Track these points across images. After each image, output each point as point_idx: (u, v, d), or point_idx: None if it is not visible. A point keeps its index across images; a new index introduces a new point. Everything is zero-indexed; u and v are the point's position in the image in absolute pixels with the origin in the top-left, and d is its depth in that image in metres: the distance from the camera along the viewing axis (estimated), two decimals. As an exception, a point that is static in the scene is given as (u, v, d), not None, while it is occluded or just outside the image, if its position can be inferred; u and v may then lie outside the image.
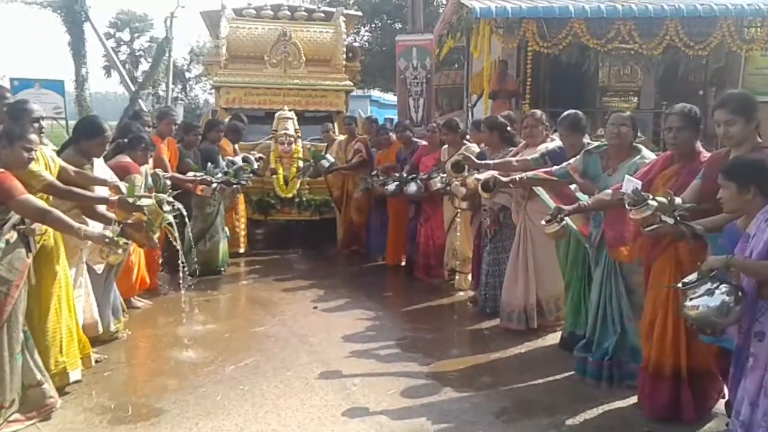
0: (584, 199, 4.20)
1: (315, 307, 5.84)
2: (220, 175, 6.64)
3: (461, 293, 6.37)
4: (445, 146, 6.52)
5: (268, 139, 8.70)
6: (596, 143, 4.20)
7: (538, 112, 5.23)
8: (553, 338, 5.02)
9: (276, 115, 8.70)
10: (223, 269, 7.18)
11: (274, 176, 8.42)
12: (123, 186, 3.99)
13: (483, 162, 5.08)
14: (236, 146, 7.82)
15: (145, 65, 39.44)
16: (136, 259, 5.63)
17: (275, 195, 8.41)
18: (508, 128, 5.65)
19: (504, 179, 4.52)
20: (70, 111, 28.61)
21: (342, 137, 8.50)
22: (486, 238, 5.64)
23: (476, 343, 5.00)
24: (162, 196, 4.44)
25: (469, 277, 6.40)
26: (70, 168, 3.99)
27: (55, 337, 3.80)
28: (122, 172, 4.76)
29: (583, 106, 8.65)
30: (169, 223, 4.65)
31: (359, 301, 6.10)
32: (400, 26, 24.73)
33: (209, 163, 6.66)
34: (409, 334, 5.18)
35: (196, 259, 6.93)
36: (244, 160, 7.57)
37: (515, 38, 9.81)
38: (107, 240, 3.55)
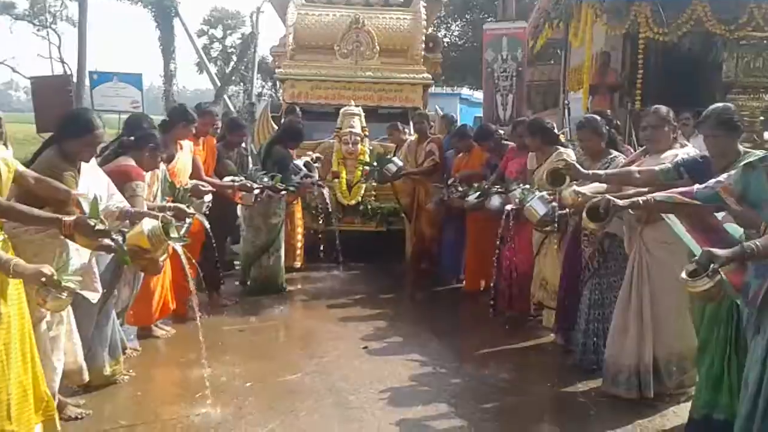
0: (737, 235, 2.90)
1: (365, 348, 4.73)
2: (266, 180, 5.65)
3: (551, 335, 5.11)
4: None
5: (332, 138, 7.69)
6: (760, 153, 2.87)
7: (663, 108, 3.90)
8: (676, 414, 3.71)
9: (341, 111, 7.66)
10: (285, 286, 6.27)
11: (336, 180, 7.39)
12: (85, 202, 3.00)
13: (591, 172, 3.81)
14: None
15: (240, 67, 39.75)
16: (160, 280, 4.71)
17: (336, 202, 7.38)
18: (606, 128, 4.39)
19: (620, 203, 3.24)
20: (159, 106, 28.88)
21: (411, 138, 7.35)
22: (586, 271, 4.37)
23: (571, 417, 3.74)
24: (172, 218, 3.57)
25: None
26: (30, 174, 3.05)
27: (-1, 399, 2.87)
28: (122, 179, 3.82)
29: (699, 105, 7.11)
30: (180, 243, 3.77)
31: (422, 340, 4.95)
32: (492, 20, 23.32)
33: (252, 166, 5.70)
34: (481, 394, 3.98)
35: (253, 276, 6.08)
36: (305, 166, 6.65)
37: (623, 24, 8.35)
38: (44, 279, 2.57)
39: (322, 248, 6.98)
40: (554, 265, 5.10)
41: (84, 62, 22.67)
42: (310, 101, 8.47)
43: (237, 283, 6.30)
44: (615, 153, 4.34)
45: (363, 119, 7.58)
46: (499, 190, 5.32)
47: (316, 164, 6.80)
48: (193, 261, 4.47)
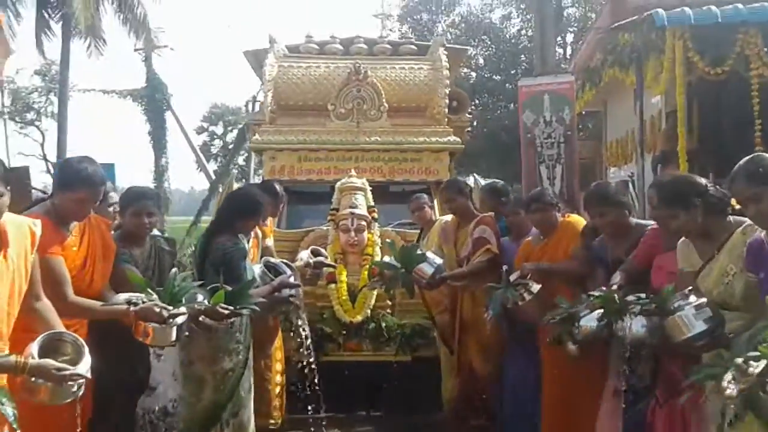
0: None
1: None
2: (200, 298, 3.14)
3: None
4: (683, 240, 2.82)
5: (327, 224, 5.33)
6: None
7: None
8: None
9: (337, 186, 5.36)
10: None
11: (333, 286, 4.94)
12: None
13: None
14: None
15: (238, 159, 38.37)
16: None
17: (334, 319, 4.91)
18: None
19: None
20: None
21: (445, 218, 4.87)
22: None
23: None
24: None
25: None
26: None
27: None
28: None
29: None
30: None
31: None
32: (504, 107, 21.41)
33: (173, 271, 3.21)
34: None
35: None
36: (315, 254, 4.58)
37: (725, 59, 6.05)
38: None
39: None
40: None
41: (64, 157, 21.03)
42: (297, 177, 6.21)
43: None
44: None
45: (369, 196, 5.24)
46: (649, 304, 2.73)
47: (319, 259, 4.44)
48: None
